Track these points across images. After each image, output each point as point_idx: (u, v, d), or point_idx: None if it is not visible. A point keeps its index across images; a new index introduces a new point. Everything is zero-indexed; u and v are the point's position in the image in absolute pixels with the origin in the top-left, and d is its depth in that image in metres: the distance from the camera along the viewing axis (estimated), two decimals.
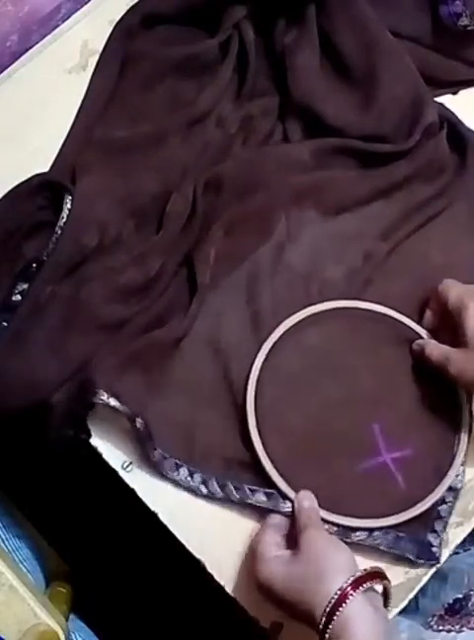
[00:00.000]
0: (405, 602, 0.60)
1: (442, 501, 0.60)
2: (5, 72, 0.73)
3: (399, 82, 0.69)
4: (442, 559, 0.61)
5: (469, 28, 0.71)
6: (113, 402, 0.58)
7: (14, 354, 0.61)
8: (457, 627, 0.62)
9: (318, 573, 0.51)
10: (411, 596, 0.60)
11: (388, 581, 0.53)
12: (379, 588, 0.53)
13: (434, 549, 0.60)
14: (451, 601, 0.65)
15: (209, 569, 0.61)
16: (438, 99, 0.74)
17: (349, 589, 0.49)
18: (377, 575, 0.52)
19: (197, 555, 0.61)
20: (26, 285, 0.64)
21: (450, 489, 0.60)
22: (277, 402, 0.61)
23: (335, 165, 0.69)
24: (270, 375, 0.61)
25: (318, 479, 0.59)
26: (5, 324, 0.63)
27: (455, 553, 0.63)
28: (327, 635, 0.48)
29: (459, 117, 0.72)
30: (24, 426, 0.63)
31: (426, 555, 0.59)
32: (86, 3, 0.76)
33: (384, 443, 0.60)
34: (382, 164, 0.69)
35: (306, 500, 0.58)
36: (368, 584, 0.50)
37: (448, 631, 0.62)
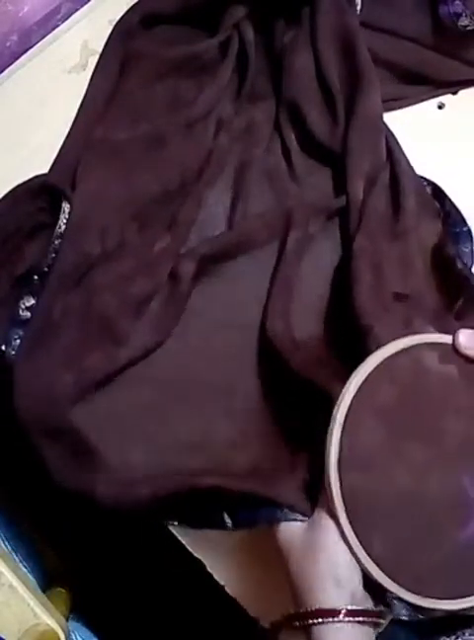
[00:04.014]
0: None
1: None
2: (5, 72, 0.73)
3: (367, 114, 0.69)
4: None
5: (469, 28, 0.71)
6: None
7: (33, 370, 0.61)
8: (453, 638, 0.61)
9: (321, 565, 0.48)
10: None
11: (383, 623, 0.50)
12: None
13: None
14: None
15: (209, 569, 0.61)
16: (439, 99, 0.74)
17: (344, 612, 0.47)
18: (376, 614, 0.48)
19: (197, 555, 0.61)
20: (33, 301, 0.64)
21: None
22: (362, 486, 0.50)
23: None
24: (347, 455, 0.50)
25: (425, 563, 0.50)
26: (17, 339, 0.64)
27: None
28: (302, 623, 0.47)
29: (448, 119, 0.73)
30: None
31: None
32: (86, 3, 0.76)
33: None
34: None
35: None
36: (364, 618, 0.47)
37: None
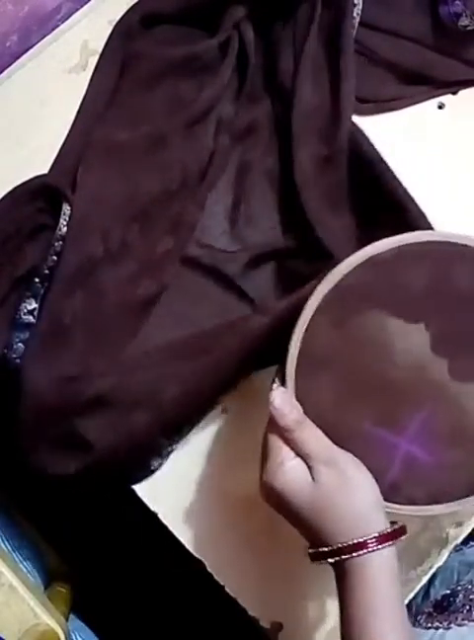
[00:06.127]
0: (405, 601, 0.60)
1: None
2: (5, 72, 0.73)
3: None
4: (443, 558, 0.61)
5: (469, 28, 0.71)
6: None
7: (43, 374, 0.61)
8: (445, 624, 0.61)
9: (348, 506, 0.49)
10: (411, 595, 0.61)
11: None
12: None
13: None
14: (439, 598, 0.65)
15: (209, 569, 0.61)
16: (439, 99, 0.74)
17: (375, 540, 0.48)
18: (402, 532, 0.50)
19: (197, 555, 0.61)
20: (35, 305, 0.64)
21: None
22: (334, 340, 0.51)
23: None
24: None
25: (328, 402, 0.51)
26: (19, 342, 0.63)
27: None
28: (340, 558, 0.47)
29: (448, 119, 0.73)
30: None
31: None
32: (86, 3, 0.76)
33: (414, 433, 0.51)
34: None
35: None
36: (392, 542, 0.48)
37: (436, 628, 0.61)
